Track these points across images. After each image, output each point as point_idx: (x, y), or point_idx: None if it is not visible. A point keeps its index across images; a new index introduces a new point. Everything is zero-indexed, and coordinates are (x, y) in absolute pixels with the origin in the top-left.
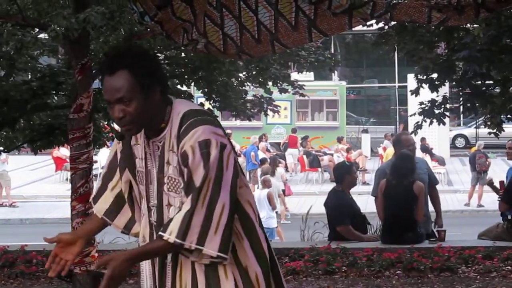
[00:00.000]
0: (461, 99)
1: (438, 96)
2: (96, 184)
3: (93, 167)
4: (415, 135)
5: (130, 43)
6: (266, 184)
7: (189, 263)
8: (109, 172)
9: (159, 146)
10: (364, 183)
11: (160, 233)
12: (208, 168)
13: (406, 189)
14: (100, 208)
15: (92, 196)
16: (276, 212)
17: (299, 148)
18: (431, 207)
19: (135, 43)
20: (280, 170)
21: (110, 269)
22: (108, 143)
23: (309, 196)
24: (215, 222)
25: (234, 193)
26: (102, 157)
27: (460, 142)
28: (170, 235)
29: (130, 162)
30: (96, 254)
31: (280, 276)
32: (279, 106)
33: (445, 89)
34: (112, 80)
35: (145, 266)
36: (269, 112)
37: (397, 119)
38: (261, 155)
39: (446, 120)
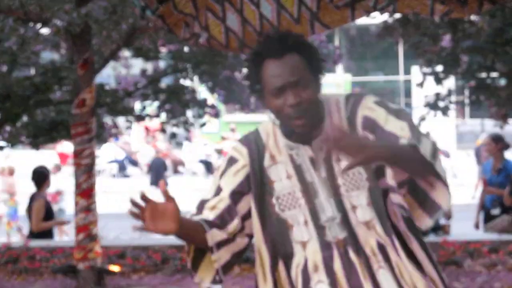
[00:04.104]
0: (466, 92)
1: (443, 89)
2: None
3: (96, 162)
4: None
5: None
6: None
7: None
8: (232, 203)
9: (322, 146)
10: None
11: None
12: (401, 115)
13: None
14: (213, 239)
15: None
16: None
17: None
18: None
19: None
20: None
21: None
22: (111, 139)
23: None
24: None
25: None
26: (106, 152)
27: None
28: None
29: (264, 189)
30: (100, 250)
31: None
32: None
33: (450, 82)
34: (282, 63)
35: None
36: None
37: None
38: None
39: (452, 112)
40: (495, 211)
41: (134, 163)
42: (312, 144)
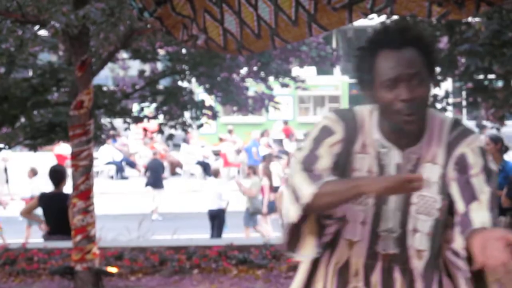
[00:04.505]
0: (463, 94)
1: (440, 91)
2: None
3: (94, 164)
4: None
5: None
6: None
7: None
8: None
9: (412, 158)
10: None
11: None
12: (492, 177)
13: None
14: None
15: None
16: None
17: (293, 139)
18: None
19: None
20: (275, 166)
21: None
22: (109, 141)
23: None
24: None
25: None
26: (103, 154)
27: None
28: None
29: (344, 174)
30: (98, 252)
31: None
32: (280, 102)
33: (447, 84)
34: (399, 55)
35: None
36: (270, 108)
37: None
38: (263, 151)
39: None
40: None
41: (132, 164)
42: (404, 151)
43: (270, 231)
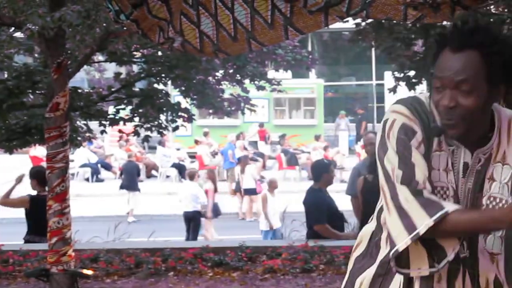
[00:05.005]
0: None
1: (415, 93)
2: None
3: (70, 166)
4: None
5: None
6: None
7: None
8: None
9: (481, 159)
10: (342, 181)
11: None
12: None
13: None
14: None
15: None
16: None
17: (269, 142)
18: None
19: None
20: (251, 168)
21: None
22: (84, 143)
23: (287, 194)
24: None
25: None
26: (79, 156)
27: None
28: None
29: None
30: (73, 254)
31: None
32: (256, 105)
33: (422, 87)
34: (455, 58)
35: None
36: (246, 110)
37: (375, 117)
38: (238, 153)
39: None
40: None
41: (108, 167)
42: (474, 152)
43: (214, 234)
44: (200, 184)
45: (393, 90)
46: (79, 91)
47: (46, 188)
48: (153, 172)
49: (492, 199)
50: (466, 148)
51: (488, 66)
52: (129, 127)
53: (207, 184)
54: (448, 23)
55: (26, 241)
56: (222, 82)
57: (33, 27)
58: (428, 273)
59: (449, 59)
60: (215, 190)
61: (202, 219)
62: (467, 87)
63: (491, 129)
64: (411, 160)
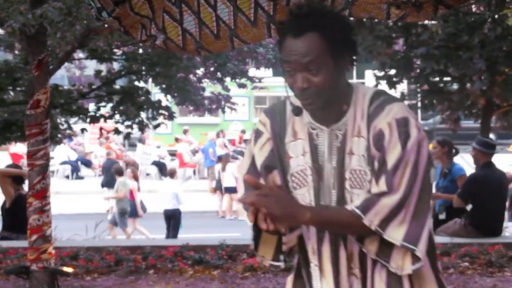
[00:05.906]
0: (419, 95)
1: (396, 92)
2: None
3: (50, 163)
4: None
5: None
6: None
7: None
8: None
9: (338, 135)
10: None
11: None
12: (406, 149)
13: None
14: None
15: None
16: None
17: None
18: None
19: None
20: (232, 166)
21: (280, 207)
22: (64, 140)
23: None
24: (408, 210)
25: (428, 183)
26: (59, 153)
27: None
28: (354, 207)
29: (282, 163)
30: (53, 251)
31: None
32: (237, 104)
33: (403, 86)
34: (298, 43)
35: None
36: (226, 109)
37: None
38: (219, 151)
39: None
40: (442, 216)
41: (88, 163)
42: (330, 128)
43: (146, 232)
44: (122, 183)
45: None
46: (60, 88)
47: (24, 187)
48: None
49: (353, 172)
50: (326, 127)
51: (329, 43)
52: (109, 124)
53: (131, 182)
54: (431, 22)
55: (3, 237)
56: (203, 80)
57: (14, 24)
58: (269, 265)
59: (294, 44)
60: (138, 189)
61: (130, 219)
62: (315, 66)
63: (349, 104)
64: (250, 158)
